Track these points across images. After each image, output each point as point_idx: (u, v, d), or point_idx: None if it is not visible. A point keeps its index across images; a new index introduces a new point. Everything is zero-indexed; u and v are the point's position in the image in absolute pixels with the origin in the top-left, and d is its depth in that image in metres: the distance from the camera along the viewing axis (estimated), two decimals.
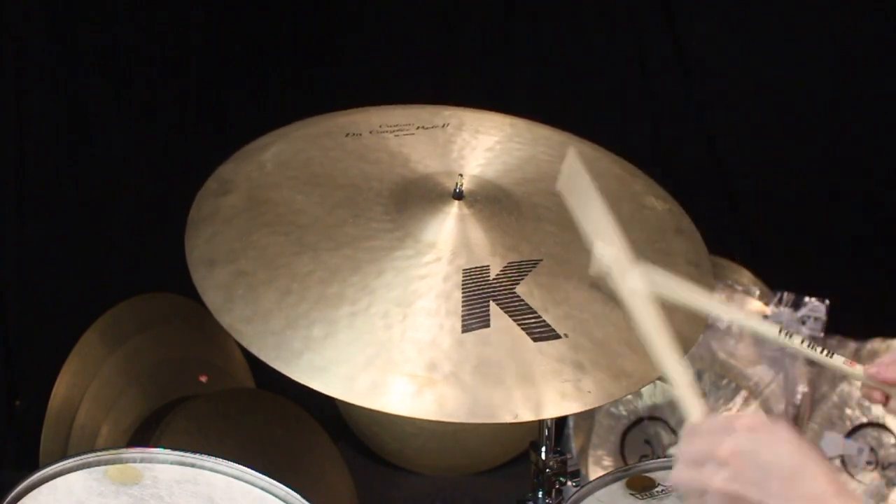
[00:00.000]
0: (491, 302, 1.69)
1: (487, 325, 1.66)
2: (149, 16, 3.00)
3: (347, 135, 1.97)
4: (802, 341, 1.65)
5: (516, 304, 1.69)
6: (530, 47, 3.30)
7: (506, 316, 1.68)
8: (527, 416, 1.60)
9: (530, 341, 1.66)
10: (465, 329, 1.66)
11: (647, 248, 1.83)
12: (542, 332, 1.67)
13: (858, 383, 1.66)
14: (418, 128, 1.99)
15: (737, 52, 3.26)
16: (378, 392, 1.60)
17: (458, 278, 1.71)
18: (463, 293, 1.69)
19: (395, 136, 1.97)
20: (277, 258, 1.73)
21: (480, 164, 1.93)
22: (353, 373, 1.61)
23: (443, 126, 2.00)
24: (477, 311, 1.68)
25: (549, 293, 1.72)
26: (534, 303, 1.70)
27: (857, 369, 1.65)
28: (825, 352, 1.66)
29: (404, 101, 2.08)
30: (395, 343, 1.64)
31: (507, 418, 1.60)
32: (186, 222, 1.83)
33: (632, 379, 1.67)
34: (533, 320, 1.68)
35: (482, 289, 1.70)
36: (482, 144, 1.97)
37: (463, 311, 1.67)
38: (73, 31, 2.91)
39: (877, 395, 1.64)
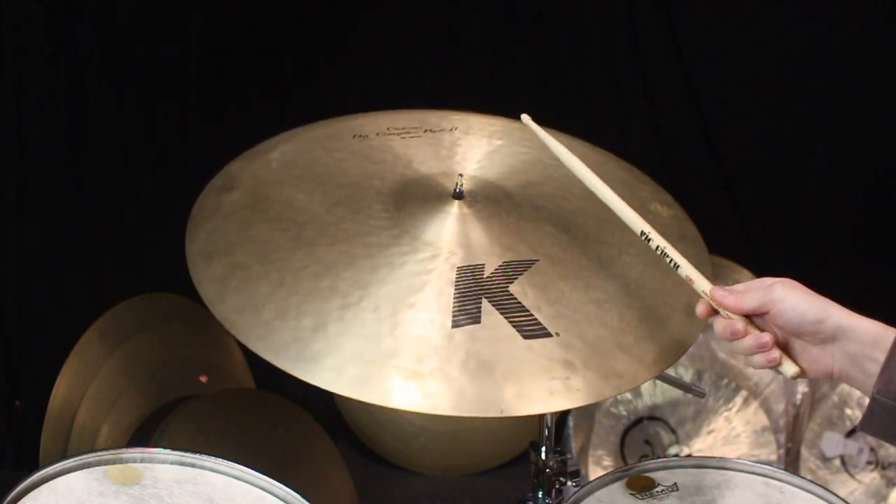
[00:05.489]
0: (483, 299, 1.69)
1: (478, 322, 1.67)
2: (149, 15, 3.00)
3: (354, 136, 1.98)
4: (657, 248, 1.70)
5: (509, 302, 1.70)
6: (531, 48, 3.30)
7: (497, 313, 1.68)
8: (513, 411, 1.61)
9: (520, 339, 1.67)
10: (455, 325, 1.66)
11: (648, 251, 1.83)
12: (533, 330, 1.68)
13: None
14: (426, 131, 2.00)
15: (736, 52, 3.27)
16: (364, 383, 1.61)
17: (453, 276, 1.71)
18: (455, 290, 1.70)
19: (402, 138, 1.97)
20: (273, 252, 1.75)
21: (484, 165, 1.94)
22: (341, 364, 1.62)
23: (450, 130, 2.01)
24: (468, 307, 1.68)
25: (542, 293, 1.72)
26: (527, 301, 1.70)
27: (703, 285, 1.66)
28: (671, 262, 1.68)
29: (406, 103, 2.09)
30: (384, 336, 1.65)
31: (493, 413, 1.61)
32: (188, 220, 1.84)
33: (623, 379, 1.68)
34: (524, 318, 1.68)
35: (475, 286, 1.71)
36: (487, 147, 1.98)
37: (454, 307, 1.68)
38: (73, 32, 2.91)
39: (703, 308, 1.65)
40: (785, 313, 1.60)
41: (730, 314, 1.63)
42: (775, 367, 1.62)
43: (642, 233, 1.72)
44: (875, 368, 1.55)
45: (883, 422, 1.55)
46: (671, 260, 1.69)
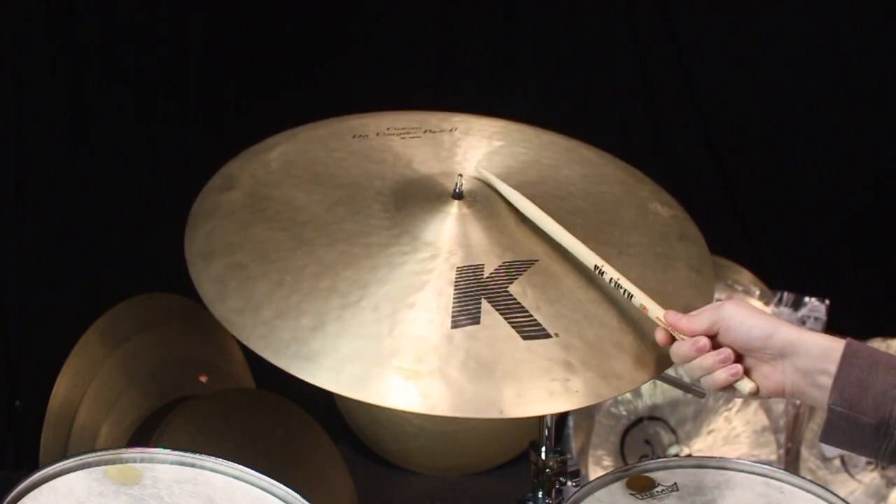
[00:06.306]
0: (483, 300, 1.69)
1: (477, 322, 1.67)
2: (149, 15, 3.00)
3: (354, 136, 1.98)
4: (610, 280, 1.71)
5: (508, 302, 1.70)
6: (530, 48, 3.30)
7: (497, 314, 1.68)
8: (512, 412, 1.61)
9: (520, 339, 1.67)
10: (455, 325, 1.66)
11: (648, 252, 1.83)
12: (532, 331, 1.68)
13: None
14: (426, 131, 2.00)
15: (737, 52, 3.27)
16: (364, 383, 1.61)
17: (452, 276, 1.71)
18: (455, 290, 1.70)
19: (402, 138, 1.98)
20: (273, 252, 1.75)
21: (483, 166, 1.93)
22: (340, 364, 1.62)
23: (450, 130, 2.01)
24: (468, 308, 1.68)
25: (542, 293, 1.72)
26: (526, 302, 1.70)
27: (656, 312, 1.68)
28: (625, 293, 1.70)
29: (405, 103, 2.09)
30: (383, 336, 1.65)
31: (493, 414, 1.61)
32: (187, 219, 1.84)
33: (622, 380, 1.68)
34: (524, 319, 1.69)
35: (475, 287, 1.71)
36: (487, 148, 1.98)
37: (454, 307, 1.68)
38: (73, 31, 2.91)
39: (662, 336, 1.67)
40: (733, 330, 1.63)
41: (685, 336, 1.65)
42: (734, 383, 1.64)
43: (595, 266, 1.74)
44: (827, 381, 1.57)
45: (842, 431, 1.57)
46: (625, 290, 1.71)
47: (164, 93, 3.05)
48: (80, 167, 2.97)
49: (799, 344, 1.60)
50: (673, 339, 1.67)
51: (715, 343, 1.65)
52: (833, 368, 1.56)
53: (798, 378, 1.60)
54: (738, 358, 1.64)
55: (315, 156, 1.94)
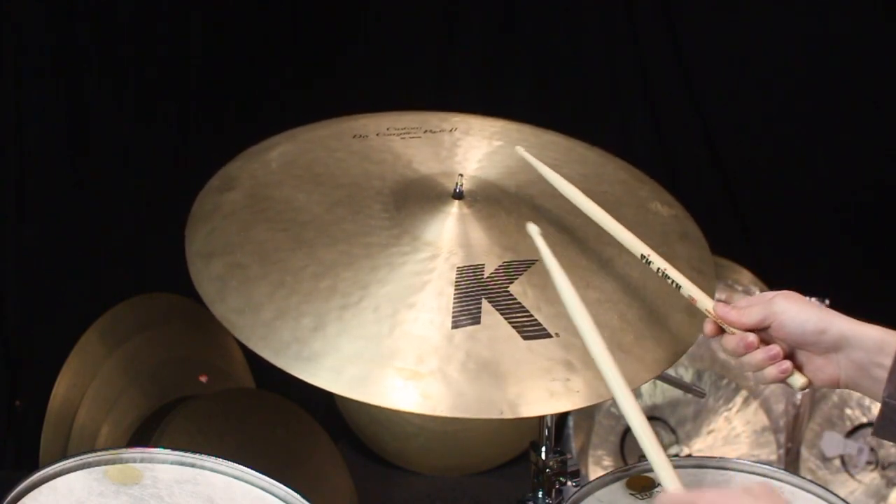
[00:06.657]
0: (483, 300, 1.69)
1: (478, 323, 1.67)
2: (150, 16, 3.00)
3: (355, 136, 1.98)
4: (658, 270, 1.70)
5: (509, 302, 1.70)
6: (531, 49, 3.30)
7: (497, 314, 1.68)
8: (513, 413, 1.61)
9: (521, 339, 1.67)
10: (455, 325, 1.66)
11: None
12: (532, 331, 1.68)
13: None
14: (425, 131, 2.00)
15: (736, 52, 3.27)
16: (364, 384, 1.62)
17: (453, 276, 1.71)
18: (455, 290, 1.70)
19: (402, 138, 1.98)
20: (273, 253, 1.75)
21: (483, 166, 1.94)
22: (340, 364, 1.62)
23: (450, 130, 2.01)
24: (468, 308, 1.68)
25: (542, 293, 1.72)
26: (527, 302, 1.70)
27: (706, 303, 1.67)
28: (672, 283, 1.69)
29: (406, 104, 2.09)
30: (383, 337, 1.65)
31: (493, 414, 1.61)
32: (187, 219, 1.84)
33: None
34: (524, 319, 1.69)
35: (475, 287, 1.71)
36: (487, 148, 1.98)
37: (454, 307, 1.68)
38: (73, 32, 2.91)
39: (710, 327, 1.66)
40: (786, 325, 1.61)
41: (735, 329, 1.63)
42: (785, 378, 1.63)
43: (642, 256, 1.73)
44: (882, 374, 1.55)
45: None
46: (673, 281, 1.70)
47: (164, 93, 3.05)
48: (80, 167, 2.97)
49: (853, 337, 1.59)
50: (720, 331, 1.66)
51: (766, 336, 1.63)
52: (888, 361, 1.55)
53: (852, 371, 1.59)
54: (791, 351, 1.63)
55: (315, 156, 1.94)
